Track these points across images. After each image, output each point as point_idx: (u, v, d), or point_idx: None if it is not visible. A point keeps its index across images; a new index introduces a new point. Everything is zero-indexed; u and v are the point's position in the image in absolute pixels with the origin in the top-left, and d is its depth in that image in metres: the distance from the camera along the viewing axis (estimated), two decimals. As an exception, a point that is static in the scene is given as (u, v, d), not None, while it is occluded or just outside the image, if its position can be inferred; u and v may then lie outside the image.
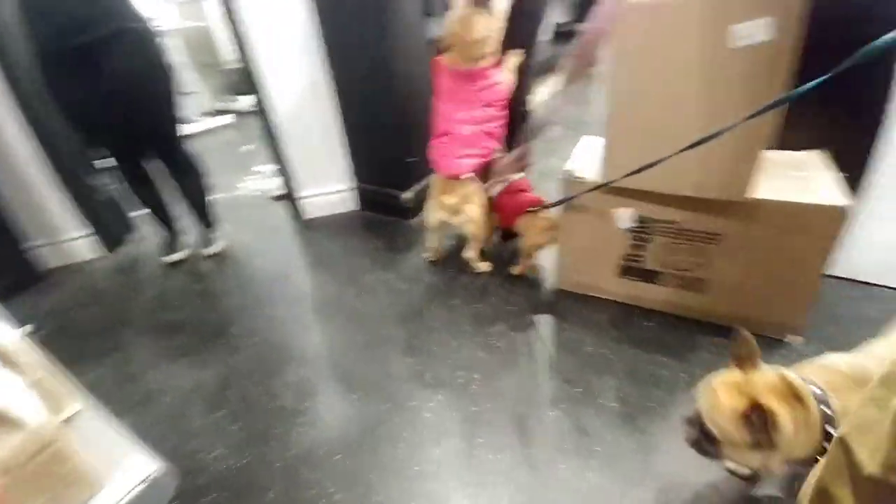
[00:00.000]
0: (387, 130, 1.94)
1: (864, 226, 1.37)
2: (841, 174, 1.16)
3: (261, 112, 1.96)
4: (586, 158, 1.36)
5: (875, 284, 1.46)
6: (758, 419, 0.67)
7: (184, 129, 1.84)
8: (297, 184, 2.12)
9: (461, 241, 1.89)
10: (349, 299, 1.62)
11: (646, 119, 1.13)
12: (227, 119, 4.09)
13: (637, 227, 1.30)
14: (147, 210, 1.93)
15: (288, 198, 2.21)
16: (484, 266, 1.66)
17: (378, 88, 1.83)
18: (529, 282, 1.62)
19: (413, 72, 1.82)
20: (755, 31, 0.91)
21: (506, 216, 1.60)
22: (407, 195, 2.02)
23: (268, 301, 1.68)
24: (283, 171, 2.11)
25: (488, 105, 1.51)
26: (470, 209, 1.55)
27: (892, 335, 0.74)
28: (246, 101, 4.14)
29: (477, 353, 1.34)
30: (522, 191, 1.59)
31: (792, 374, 0.71)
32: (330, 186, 2.16)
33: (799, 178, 1.17)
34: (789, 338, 1.26)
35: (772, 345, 1.26)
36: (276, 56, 1.83)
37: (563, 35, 4.04)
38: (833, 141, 1.25)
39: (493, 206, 1.62)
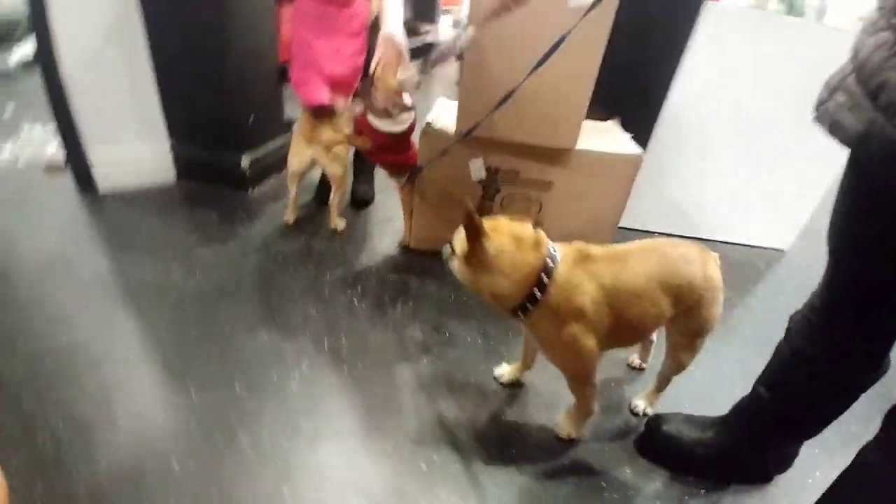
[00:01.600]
0: (217, 78, 1.64)
1: (648, 182, 1.74)
2: (631, 135, 1.45)
3: (40, 55, 1.47)
4: (442, 114, 1.41)
5: (659, 232, 1.88)
6: (470, 231, 0.77)
7: None
8: (86, 148, 1.64)
9: (311, 207, 1.77)
10: (175, 279, 1.33)
11: (495, 70, 1.21)
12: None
13: (486, 180, 1.40)
14: None
15: (71, 168, 1.69)
16: (341, 223, 1.60)
17: (205, 20, 1.54)
18: (385, 244, 1.60)
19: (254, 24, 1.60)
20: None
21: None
22: (246, 160, 1.77)
23: (40, 295, 1.24)
24: (66, 133, 1.60)
25: (354, 35, 1.43)
26: (338, 148, 1.47)
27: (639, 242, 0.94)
28: (15, 58, 3.07)
29: (341, 317, 1.26)
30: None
31: (542, 232, 0.84)
32: (134, 149, 1.73)
33: (604, 137, 1.42)
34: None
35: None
36: None
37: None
38: (622, 114, 1.55)
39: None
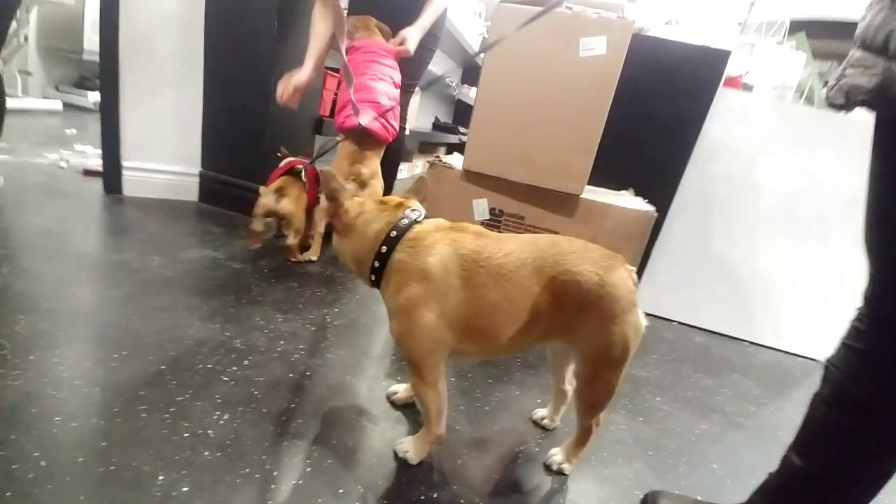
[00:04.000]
0: (259, 123, 1.79)
1: (657, 267, 1.65)
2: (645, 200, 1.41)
3: (104, 76, 1.68)
4: (451, 158, 1.45)
5: (666, 318, 1.72)
6: (330, 194, 0.76)
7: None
8: (123, 157, 1.77)
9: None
10: (152, 267, 1.28)
11: (504, 112, 1.26)
12: (55, 105, 3.44)
13: (490, 220, 1.35)
14: None
15: (104, 172, 1.80)
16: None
17: (251, 74, 1.74)
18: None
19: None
20: (596, 45, 1.12)
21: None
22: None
23: (24, 253, 1.23)
24: (109, 143, 1.75)
25: (395, 70, 1.59)
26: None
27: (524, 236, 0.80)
28: (94, 97, 3.60)
29: (307, 329, 1.14)
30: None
31: (416, 200, 0.80)
32: (166, 166, 1.85)
33: (618, 198, 1.39)
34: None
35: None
36: (146, 36, 1.67)
37: (442, 128, 4.56)
38: (637, 188, 1.54)
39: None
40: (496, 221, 1.35)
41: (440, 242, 0.71)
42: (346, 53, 1.46)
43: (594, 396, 0.77)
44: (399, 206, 0.77)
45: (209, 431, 0.76)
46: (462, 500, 0.74)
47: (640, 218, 1.26)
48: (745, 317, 1.68)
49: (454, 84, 4.30)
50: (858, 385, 0.59)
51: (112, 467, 0.66)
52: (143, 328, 1.00)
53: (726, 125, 1.52)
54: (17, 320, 0.94)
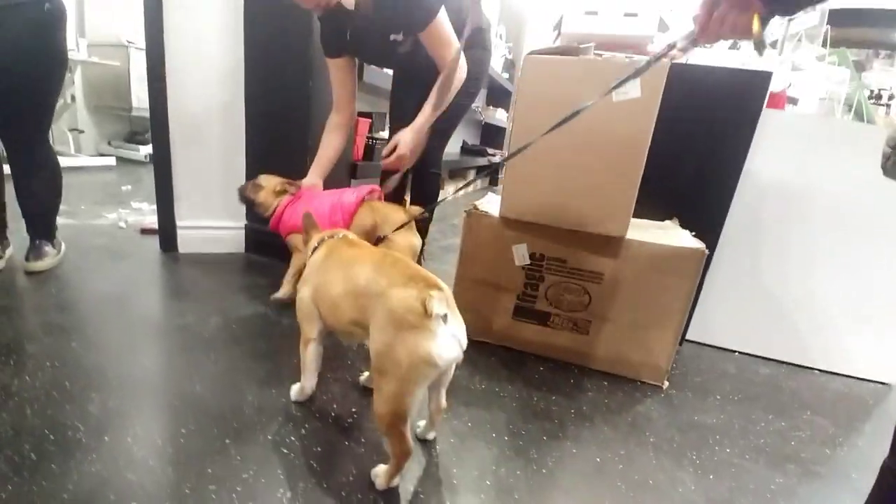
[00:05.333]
0: (297, 175, 1.87)
1: (712, 295, 1.58)
2: (691, 232, 1.36)
3: (156, 145, 1.80)
4: (487, 203, 1.45)
5: (725, 349, 1.64)
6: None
7: (48, 128, 1.59)
8: (177, 216, 1.89)
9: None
10: (209, 329, 1.35)
11: (538, 158, 1.24)
12: (109, 161, 3.71)
13: (531, 266, 1.34)
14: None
15: (160, 231, 1.93)
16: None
17: (292, 134, 1.82)
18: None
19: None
20: (630, 89, 1.10)
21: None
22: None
23: (91, 323, 1.32)
24: (163, 203, 1.87)
25: None
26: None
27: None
28: (144, 150, 3.87)
29: (357, 388, 1.16)
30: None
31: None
32: (214, 222, 1.95)
33: (662, 233, 1.34)
34: (664, 383, 1.32)
35: (645, 390, 1.31)
36: (191, 96, 1.78)
37: (471, 151, 4.61)
38: (681, 217, 1.49)
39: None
40: (537, 266, 1.33)
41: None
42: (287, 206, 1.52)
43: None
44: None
45: (274, 511, 0.78)
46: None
47: (689, 256, 1.22)
48: (810, 344, 1.58)
49: (479, 108, 4.33)
50: None
51: (189, 559, 0.68)
52: (207, 397, 1.05)
53: (774, 147, 1.46)
54: (89, 399, 1.00)
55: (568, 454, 1.02)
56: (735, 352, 1.64)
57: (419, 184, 1.73)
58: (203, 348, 1.24)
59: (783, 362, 1.61)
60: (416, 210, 1.42)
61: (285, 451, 0.92)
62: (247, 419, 0.99)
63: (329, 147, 1.60)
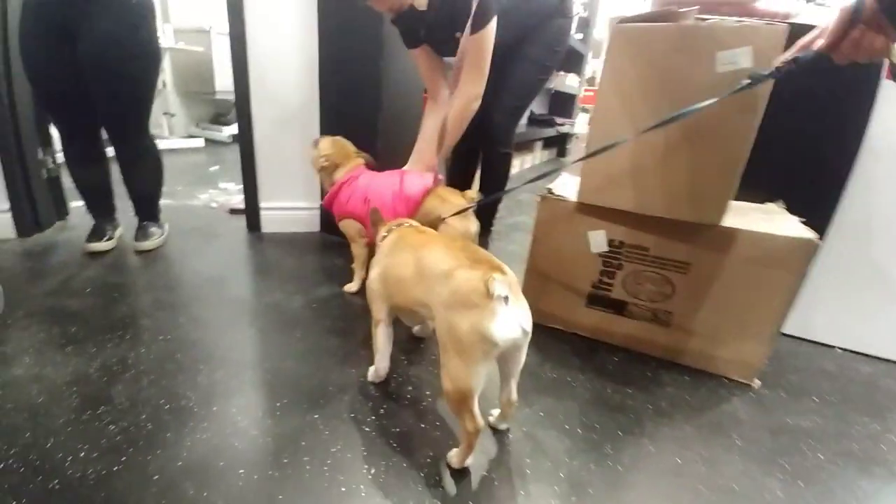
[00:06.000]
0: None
1: (816, 286, 1.41)
2: (800, 218, 1.21)
3: (241, 132, 1.91)
4: (562, 186, 1.38)
5: (825, 344, 1.48)
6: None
7: (148, 119, 1.74)
8: (260, 198, 2.02)
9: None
10: (294, 307, 1.45)
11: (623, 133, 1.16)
12: (198, 143, 4.02)
13: (608, 253, 1.28)
14: (84, 195, 1.76)
15: (246, 213, 2.08)
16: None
17: (363, 115, 1.84)
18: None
19: (401, 114, 1.88)
20: (738, 58, 0.97)
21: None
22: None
23: (195, 301, 1.47)
24: (248, 189, 2.01)
25: None
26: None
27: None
28: (227, 131, 4.15)
29: (431, 372, 1.19)
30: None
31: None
32: (293, 203, 2.06)
33: (765, 217, 1.21)
34: (755, 382, 1.23)
35: (731, 387, 1.22)
36: (271, 82, 1.86)
37: (538, 122, 4.42)
38: (787, 198, 1.33)
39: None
40: (615, 254, 1.27)
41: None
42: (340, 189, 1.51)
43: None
44: None
45: (361, 486, 0.84)
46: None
47: (797, 247, 1.08)
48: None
49: (548, 75, 4.10)
50: None
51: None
52: (297, 373, 1.14)
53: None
54: (198, 370, 1.13)
55: (645, 452, 0.99)
56: (835, 347, 1.48)
57: (489, 165, 1.69)
58: (289, 326, 1.35)
59: (886, 360, 1.42)
60: (475, 195, 1.40)
61: (367, 429, 0.98)
62: (330, 396, 1.07)
63: (425, 130, 1.59)
